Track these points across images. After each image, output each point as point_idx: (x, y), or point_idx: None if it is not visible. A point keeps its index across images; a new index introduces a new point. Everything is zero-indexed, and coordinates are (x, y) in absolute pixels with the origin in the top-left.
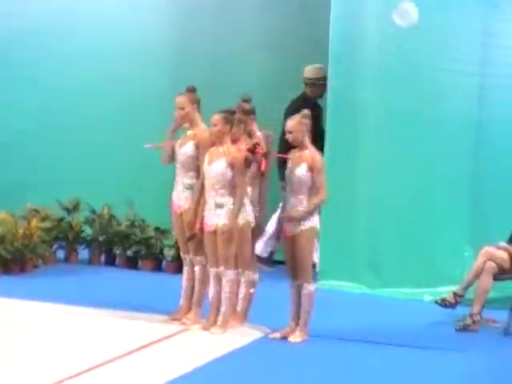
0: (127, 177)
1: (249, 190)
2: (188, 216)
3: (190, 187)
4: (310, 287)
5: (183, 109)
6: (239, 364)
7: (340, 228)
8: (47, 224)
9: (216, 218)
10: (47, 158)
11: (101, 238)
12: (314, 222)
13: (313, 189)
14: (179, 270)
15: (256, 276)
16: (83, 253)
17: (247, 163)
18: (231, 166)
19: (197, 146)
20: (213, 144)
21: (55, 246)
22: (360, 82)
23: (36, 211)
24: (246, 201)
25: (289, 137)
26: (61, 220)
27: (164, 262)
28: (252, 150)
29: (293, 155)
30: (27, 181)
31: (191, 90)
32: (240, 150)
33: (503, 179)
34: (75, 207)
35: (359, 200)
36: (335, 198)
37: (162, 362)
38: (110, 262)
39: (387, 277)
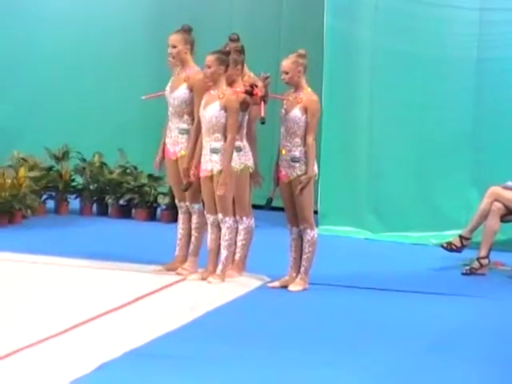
0: (118, 124)
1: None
2: (184, 162)
3: (186, 132)
4: (312, 233)
5: (175, 47)
6: (238, 314)
7: (341, 172)
8: (36, 173)
9: (211, 163)
10: (34, 104)
11: (92, 187)
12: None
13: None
14: (174, 219)
15: (253, 222)
16: (74, 203)
17: (245, 106)
18: (225, 108)
19: (190, 89)
20: (207, 87)
21: (44, 196)
22: (358, 21)
23: (24, 160)
24: (246, 144)
25: (284, 77)
26: (50, 169)
27: (158, 211)
28: (250, 92)
29: (288, 96)
30: (13, 128)
31: (186, 30)
32: (237, 92)
33: (505, 120)
34: (64, 155)
35: (360, 143)
36: (335, 142)
37: (158, 313)
38: (102, 211)
39: (391, 221)
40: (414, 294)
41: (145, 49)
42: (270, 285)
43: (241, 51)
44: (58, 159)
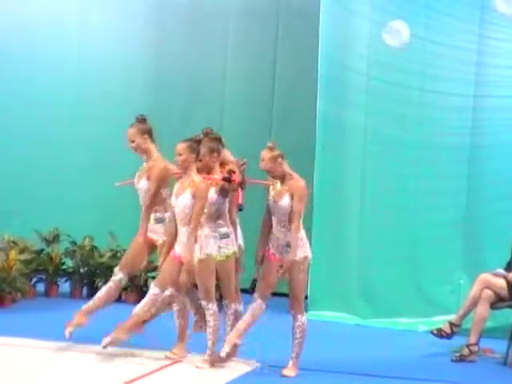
0: (109, 207)
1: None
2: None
3: (161, 221)
4: (303, 319)
5: (133, 141)
6: None
7: (330, 257)
8: (26, 256)
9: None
10: (23, 187)
11: (82, 270)
12: (306, 250)
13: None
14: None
15: (241, 309)
16: (64, 286)
17: (225, 193)
18: (193, 196)
19: (149, 179)
20: (167, 175)
21: (34, 279)
22: (349, 106)
23: (14, 243)
24: (232, 230)
25: (261, 166)
26: (40, 252)
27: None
28: (228, 179)
29: (276, 186)
30: (3, 210)
31: (140, 121)
32: (215, 179)
33: (496, 206)
34: (55, 238)
35: (351, 228)
36: (325, 226)
37: None
38: (92, 294)
39: (380, 307)
40: (403, 380)
41: None
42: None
43: (218, 139)
44: (48, 242)
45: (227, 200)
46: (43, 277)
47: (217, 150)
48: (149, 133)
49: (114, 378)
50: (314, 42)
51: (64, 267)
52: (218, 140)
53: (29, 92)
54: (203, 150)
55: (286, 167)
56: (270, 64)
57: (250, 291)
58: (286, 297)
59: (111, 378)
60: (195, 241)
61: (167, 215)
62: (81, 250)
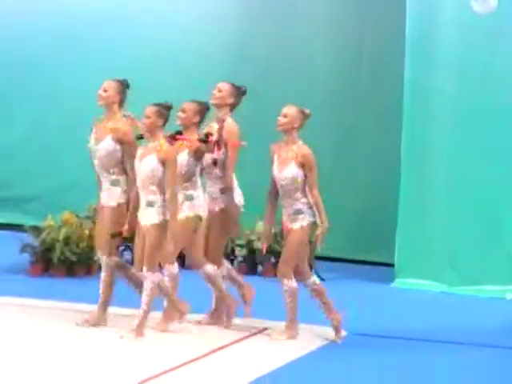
0: None
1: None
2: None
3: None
4: (289, 283)
5: (106, 91)
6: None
7: (417, 225)
8: None
9: (146, 217)
10: None
11: None
12: (309, 219)
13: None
14: (251, 271)
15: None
16: None
17: (199, 154)
18: (163, 162)
19: (116, 141)
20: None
21: (122, 248)
22: (436, 71)
23: None
24: (199, 193)
25: (280, 121)
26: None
27: (235, 263)
28: (204, 140)
29: (278, 151)
30: (92, 180)
31: (123, 83)
32: (190, 140)
33: None
34: None
35: (437, 195)
36: (412, 193)
37: (227, 368)
38: (180, 263)
39: (467, 274)
40: (490, 348)
41: None
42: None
43: (204, 104)
44: None
45: (199, 163)
46: (130, 245)
47: (201, 113)
48: (123, 97)
49: (202, 345)
50: (402, 7)
51: None
52: (204, 105)
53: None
54: (188, 107)
55: (296, 134)
56: (357, 30)
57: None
58: (374, 265)
59: (199, 346)
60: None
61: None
62: None
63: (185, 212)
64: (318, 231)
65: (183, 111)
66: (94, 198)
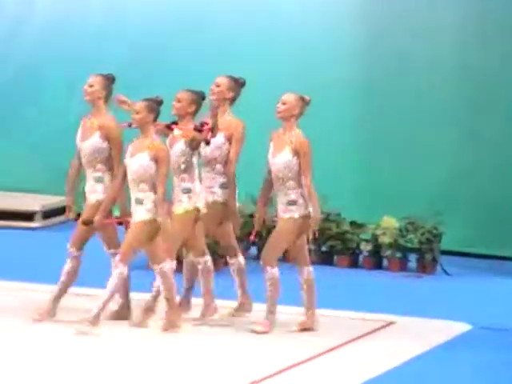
0: (321, 170)
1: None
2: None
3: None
4: (272, 271)
5: (92, 86)
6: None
7: None
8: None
9: (134, 214)
10: None
11: None
12: (301, 211)
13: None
14: (377, 266)
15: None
16: None
17: (195, 144)
18: (156, 159)
19: (104, 138)
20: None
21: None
22: None
23: None
24: (196, 185)
25: (279, 108)
26: (251, 216)
27: (361, 258)
28: (199, 129)
29: (275, 137)
30: None
31: (109, 78)
32: (185, 129)
33: None
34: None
35: None
36: None
37: (365, 358)
38: None
39: None
40: None
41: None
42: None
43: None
44: None
45: (195, 153)
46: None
47: (196, 103)
48: (109, 92)
49: (335, 337)
50: None
51: None
52: (199, 95)
53: None
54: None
55: (295, 122)
56: None
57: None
58: (505, 260)
59: (326, 339)
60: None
61: None
62: None
63: (183, 205)
64: (311, 222)
65: (178, 101)
66: None
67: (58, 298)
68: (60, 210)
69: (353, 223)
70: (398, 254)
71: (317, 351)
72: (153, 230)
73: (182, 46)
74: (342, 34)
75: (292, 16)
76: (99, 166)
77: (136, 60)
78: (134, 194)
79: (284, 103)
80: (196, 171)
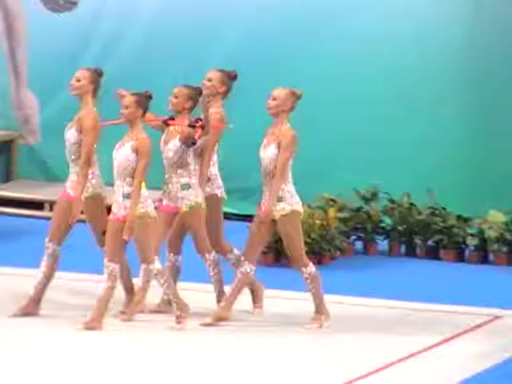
0: (425, 163)
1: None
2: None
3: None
4: (308, 270)
5: (79, 80)
6: None
7: None
8: (344, 214)
9: (124, 210)
10: (343, 144)
11: (400, 228)
12: (293, 204)
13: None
14: (483, 260)
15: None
16: (382, 243)
17: (190, 140)
18: (137, 152)
19: (80, 131)
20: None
21: (353, 237)
22: None
23: (333, 201)
24: (195, 182)
25: (270, 104)
26: (358, 210)
27: (467, 252)
28: (193, 126)
29: (268, 134)
30: (323, 169)
31: (97, 71)
32: (181, 125)
33: None
34: (373, 196)
35: None
36: None
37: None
38: (410, 252)
39: None
40: None
41: (455, 91)
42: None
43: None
44: (366, 200)
45: (190, 150)
46: (361, 235)
47: (193, 98)
48: (96, 87)
49: (438, 331)
50: None
51: (382, 225)
52: (196, 90)
53: None
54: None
55: (286, 117)
56: None
57: None
58: None
59: (426, 335)
60: (138, 199)
61: None
62: (399, 208)
63: (185, 202)
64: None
65: (175, 97)
66: (324, 187)
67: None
68: None
69: (459, 217)
70: (505, 248)
71: (418, 347)
72: (144, 223)
73: (292, 48)
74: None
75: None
76: (78, 160)
77: (245, 58)
78: (121, 188)
79: (274, 98)
80: (191, 167)
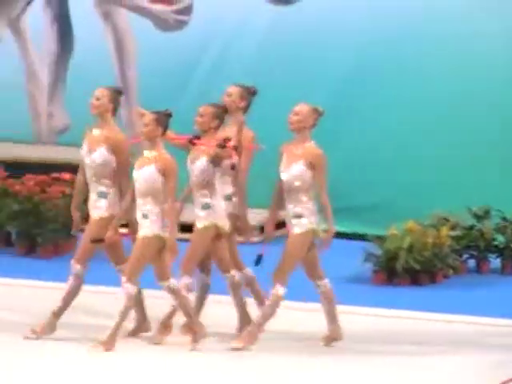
0: None
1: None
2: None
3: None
4: (279, 290)
5: (98, 99)
6: None
7: None
8: (457, 232)
9: (140, 229)
10: (449, 161)
11: None
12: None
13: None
14: None
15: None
16: (494, 262)
17: (217, 161)
18: (163, 172)
19: (111, 151)
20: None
21: (465, 255)
22: None
23: (445, 219)
24: (216, 203)
25: (292, 120)
26: (471, 228)
27: None
28: (222, 146)
29: (287, 149)
30: (435, 187)
31: (117, 91)
32: (209, 145)
33: None
34: (486, 214)
35: None
36: None
37: None
38: None
39: None
40: None
41: None
42: None
43: (222, 108)
44: (479, 218)
45: (217, 169)
46: (474, 253)
47: (219, 117)
48: (116, 105)
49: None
50: None
51: (495, 243)
52: (221, 109)
53: None
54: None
55: (309, 133)
56: None
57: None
58: None
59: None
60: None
61: None
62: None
63: (202, 221)
64: (326, 236)
65: (200, 115)
66: (437, 204)
67: (58, 314)
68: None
69: None
70: None
71: None
72: (158, 245)
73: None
74: None
75: None
76: (104, 180)
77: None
78: (141, 208)
79: (296, 114)
80: (218, 187)
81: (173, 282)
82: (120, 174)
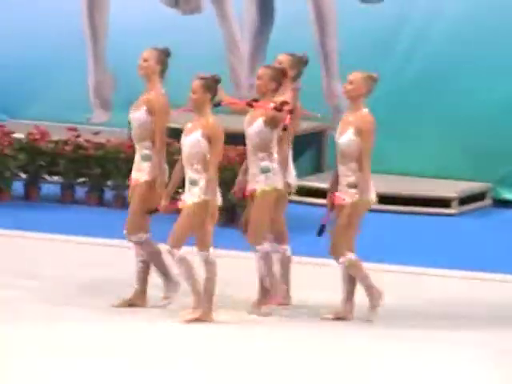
0: None
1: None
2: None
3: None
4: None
5: (146, 60)
6: None
7: None
8: None
9: (188, 196)
10: None
11: None
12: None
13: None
14: None
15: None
16: None
17: (273, 123)
18: (209, 139)
19: (150, 112)
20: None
21: None
22: None
23: None
24: (276, 166)
25: (346, 88)
26: None
27: None
28: (279, 109)
29: (343, 118)
30: None
31: (164, 52)
32: (266, 108)
33: None
34: None
35: None
36: None
37: None
38: None
39: None
40: None
41: None
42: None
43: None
44: None
45: (275, 132)
46: None
47: (276, 79)
48: (163, 67)
49: None
50: None
51: None
52: (279, 71)
53: None
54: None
55: (363, 101)
56: None
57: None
58: None
59: None
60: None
61: None
62: None
63: (260, 185)
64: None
65: (259, 78)
66: None
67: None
68: (476, 196)
69: None
70: None
71: None
72: (205, 212)
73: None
74: None
75: None
76: (145, 142)
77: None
78: (188, 175)
79: (351, 82)
80: (276, 151)
81: (212, 253)
82: (155, 136)
